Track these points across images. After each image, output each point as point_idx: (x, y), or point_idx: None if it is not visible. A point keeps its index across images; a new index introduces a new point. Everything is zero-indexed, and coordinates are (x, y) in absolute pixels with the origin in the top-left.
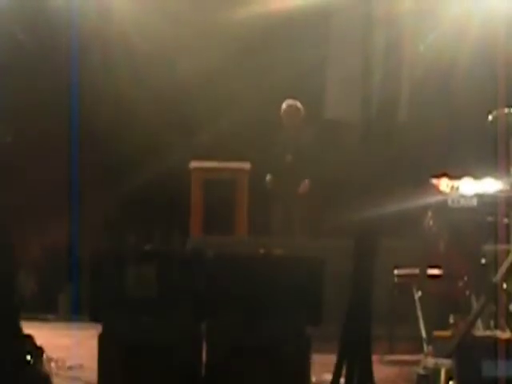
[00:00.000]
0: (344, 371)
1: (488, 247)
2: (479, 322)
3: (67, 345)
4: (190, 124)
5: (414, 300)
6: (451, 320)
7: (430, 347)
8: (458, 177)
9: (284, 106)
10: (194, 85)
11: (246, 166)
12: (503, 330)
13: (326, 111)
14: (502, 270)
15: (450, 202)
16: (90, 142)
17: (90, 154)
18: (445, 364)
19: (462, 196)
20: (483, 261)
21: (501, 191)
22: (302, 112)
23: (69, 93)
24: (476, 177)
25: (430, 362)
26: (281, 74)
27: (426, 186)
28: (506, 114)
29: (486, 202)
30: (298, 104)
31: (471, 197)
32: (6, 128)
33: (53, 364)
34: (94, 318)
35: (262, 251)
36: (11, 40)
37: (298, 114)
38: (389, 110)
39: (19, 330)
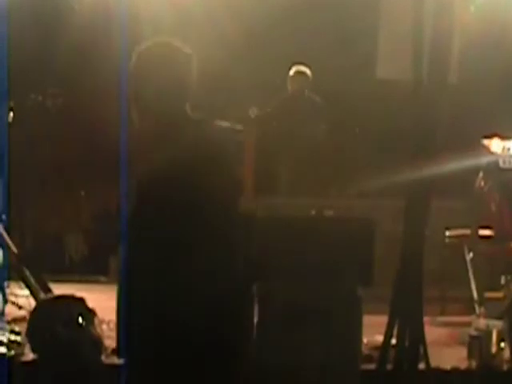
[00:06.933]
0: (395, 332)
1: None
2: None
3: None
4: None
5: (465, 261)
6: (503, 281)
7: (482, 308)
8: (509, 137)
9: (292, 71)
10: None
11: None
12: None
13: (378, 70)
14: None
15: (501, 162)
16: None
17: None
18: (496, 325)
19: None
20: None
21: None
22: (309, 79)
23: (117, 53)
24: None
25: (482, 323)
26: (333, 35)
27: (477, 147)
28: None
29: None
30: (308, 71)
31: None
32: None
33: (104, 326)
34: None
35: (313, 212)
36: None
37: (306, 81)
38: (440, 69)
39: None
